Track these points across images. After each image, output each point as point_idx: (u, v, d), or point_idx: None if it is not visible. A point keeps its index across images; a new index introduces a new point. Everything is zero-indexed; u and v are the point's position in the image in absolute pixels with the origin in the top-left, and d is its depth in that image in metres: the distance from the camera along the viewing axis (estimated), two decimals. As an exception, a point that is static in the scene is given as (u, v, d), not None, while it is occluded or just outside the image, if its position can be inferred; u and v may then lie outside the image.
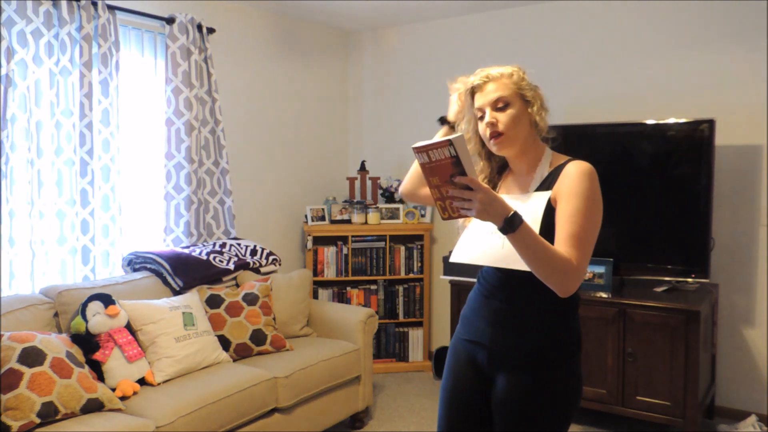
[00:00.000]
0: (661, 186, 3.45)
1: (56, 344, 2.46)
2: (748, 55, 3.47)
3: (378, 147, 4.91)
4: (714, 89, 3.57)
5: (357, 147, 5.03)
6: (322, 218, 4.46)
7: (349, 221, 4.46)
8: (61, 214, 3.10)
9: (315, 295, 4.35)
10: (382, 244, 4.40)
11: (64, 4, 3.03)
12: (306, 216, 4.45)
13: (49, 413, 2.28)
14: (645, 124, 3.49)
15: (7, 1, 2.84)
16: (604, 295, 3.34)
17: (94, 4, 3.15)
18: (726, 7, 3.51)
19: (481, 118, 1.66)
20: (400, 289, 4.46)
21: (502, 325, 1.67)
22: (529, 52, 4.17)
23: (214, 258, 3.42)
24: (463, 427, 1.75)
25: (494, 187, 1.77)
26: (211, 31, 3.79)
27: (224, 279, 3.43)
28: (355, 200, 4.52)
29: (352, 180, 4.60)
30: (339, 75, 4.97)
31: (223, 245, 3.58)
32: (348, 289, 4.42)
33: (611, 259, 3.43)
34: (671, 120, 3.42)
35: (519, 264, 1.51)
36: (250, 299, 3.26)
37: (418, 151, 1.43)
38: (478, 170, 1.75)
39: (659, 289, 3.39)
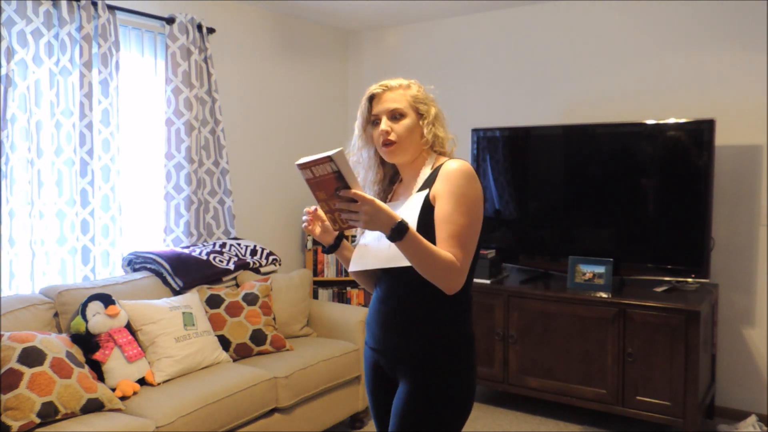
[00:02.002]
0: (661, 186, 3.45)
1: (56, 344, 2.46)
2: (748, 55, 3.47)
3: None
4: (714, 89, 3.57)
5: (357, 147, 5.01)
6: (322, 218, 4.45)
7: (349, 221, 4.45)
8: (61, 214, 3.10)
9: (315, 295, 4.35)
10: (382, 244, 4.39)
11: (64, 4, 3.03)
12: (306, 216, 4.45)
13: (49, 413, 2.28)
14: (645, 124, 3.49)
15: (7, 1, 2.84)
16: (604, 295, 3.34)
17: (94, 4, 3.15)
18: (726, 7, 3.51)
19: (376, 123, 1.71)
20: (400, 289, 4.46)
21: (394, 328, 1.71)
22: (529, 52, 4.17)
23: (214, 258, 3.42)
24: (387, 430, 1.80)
25: (386, 197, 1.82)
26: (211, 31, 3.79)
27: (224, 279, 3.43)
28: (355, 200, 4.51)
29: (352, 180, 4.60)
30: (339, 75, 4.97)
31: (223, 245, 3.58)
32: (348, 289, 4.42)
33: (611, 259, 3.43)
34: (671, 120, 3.42)
35: (405, 261, 1.55)
36: (250, 299, 3.26)
37: (302, 167, 1.46)
38: (373, 176, 1.81)
39: (659, 289, 3.39)
